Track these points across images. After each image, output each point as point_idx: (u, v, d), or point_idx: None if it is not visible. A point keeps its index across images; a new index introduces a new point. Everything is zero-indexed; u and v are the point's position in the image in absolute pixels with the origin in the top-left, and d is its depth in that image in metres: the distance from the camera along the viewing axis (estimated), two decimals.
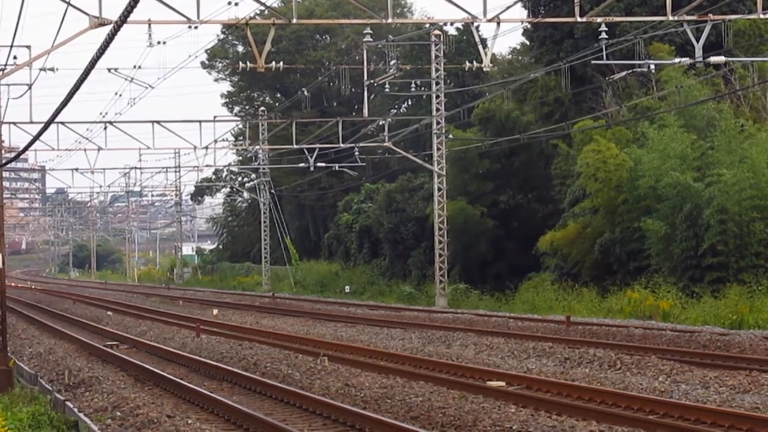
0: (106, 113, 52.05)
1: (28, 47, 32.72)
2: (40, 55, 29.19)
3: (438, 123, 49.87)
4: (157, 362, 27.74)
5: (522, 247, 53.52)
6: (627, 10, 47.90)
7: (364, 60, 42.75)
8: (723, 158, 40.37)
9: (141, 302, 61.12)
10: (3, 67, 32.59)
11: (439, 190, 49.54)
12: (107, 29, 16.77)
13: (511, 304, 45.45)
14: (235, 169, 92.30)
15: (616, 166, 43.17)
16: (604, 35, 34.38)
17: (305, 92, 55.74)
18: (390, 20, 30.70)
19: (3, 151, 25.65)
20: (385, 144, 54.22)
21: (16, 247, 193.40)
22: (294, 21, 30.58)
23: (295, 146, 56.93)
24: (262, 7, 30.36)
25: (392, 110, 77.70)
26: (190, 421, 17.09)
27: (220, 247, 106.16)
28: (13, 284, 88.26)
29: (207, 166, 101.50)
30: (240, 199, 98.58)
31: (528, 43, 62.64)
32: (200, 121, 53.63)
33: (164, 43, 34.44)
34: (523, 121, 54.03)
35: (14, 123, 49.33)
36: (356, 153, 58.70)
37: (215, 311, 48.29)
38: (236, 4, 30.06)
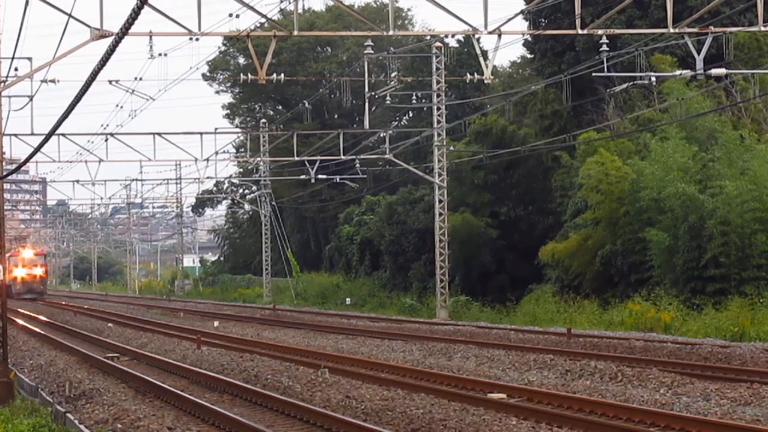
0: (107, 125, 52.19)
1: (30, 59, 32.78)
2: (41, 66, 29.24)
3: (439, 135, 49.87)
4: (158, 374, 27.69)
5: (523, 259, 53.50)
6: (628, 22, 47.97)
7: (365, 72, 42.74)
8: (724, 170, 40.39)
9: (142, 314, 61.03)
10: (4, 78, 32.61)
11: (440, 202, 49.53)
12: (108, 41, 16.79)
13: (512, 316, 45.41)
14: (236, 181, 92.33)
15: (619, 178, 43.19)
16: (605, 47, 34.46)
17: (306, 104, 55.77)
18: (391, 32, 30.74)
19: (4, 163, 25.66)
20: (386, 156, 54.22)
21: None
22: (295, 33, 30.62)
23: (296, 158, 56.95)
24: (263, 20, 30.38)
25: (393, 122, 77.75)
26: None
27: (222, 258, 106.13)
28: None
29: (208, 178, 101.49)
30: (241, 211, 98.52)
31: (529, 55, 62.70)
32: (201, 133, 53.76)
33: (165, 55, 34.42)
34: (520, 135, 54.04)
35: (15, 135, 49.48)
36: (357, 165, 58.70)
37: (216, 323, 48.20)
38: (237, 16, 30.11)
